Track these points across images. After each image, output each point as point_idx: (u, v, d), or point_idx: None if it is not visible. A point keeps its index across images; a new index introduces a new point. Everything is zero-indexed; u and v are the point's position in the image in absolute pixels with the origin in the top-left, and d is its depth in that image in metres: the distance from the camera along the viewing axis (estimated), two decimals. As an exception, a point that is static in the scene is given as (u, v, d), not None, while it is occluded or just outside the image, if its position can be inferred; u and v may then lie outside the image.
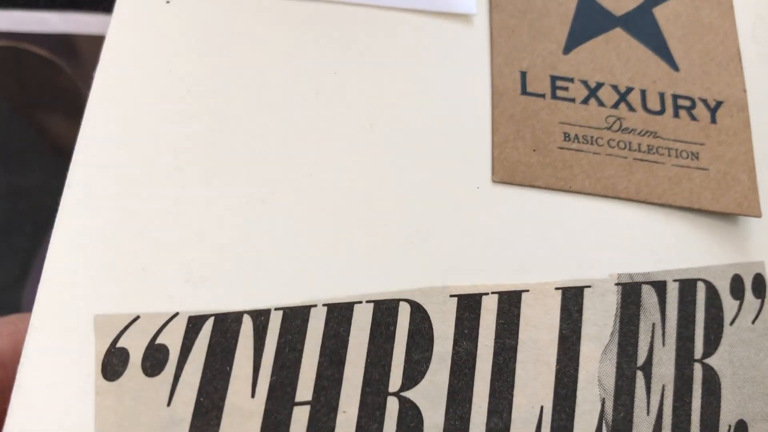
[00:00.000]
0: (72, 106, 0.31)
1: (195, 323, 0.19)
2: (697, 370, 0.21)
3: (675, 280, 0.21)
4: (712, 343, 0.21)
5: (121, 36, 0.23)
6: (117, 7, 0.23)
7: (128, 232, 0.20)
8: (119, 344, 0.18)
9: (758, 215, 0.22)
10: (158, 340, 0.19)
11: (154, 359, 0.18)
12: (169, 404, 0.18)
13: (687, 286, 0.21)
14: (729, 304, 0.22)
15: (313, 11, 0.23)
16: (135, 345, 0.18)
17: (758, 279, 0.22)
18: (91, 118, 0.21)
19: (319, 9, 0.23)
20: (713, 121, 0.23)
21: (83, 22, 0.32)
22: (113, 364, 0.18)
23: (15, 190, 0.31)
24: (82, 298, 0.19)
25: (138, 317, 0.19)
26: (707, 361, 0.21)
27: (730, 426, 0.21)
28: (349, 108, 0.22)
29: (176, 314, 0.19)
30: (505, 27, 0.23)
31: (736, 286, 0.22)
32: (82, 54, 0.33)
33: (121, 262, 0.19)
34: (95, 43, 0.32)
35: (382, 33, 0.23)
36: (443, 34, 0.23)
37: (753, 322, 0.22)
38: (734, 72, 0.24)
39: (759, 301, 0.22)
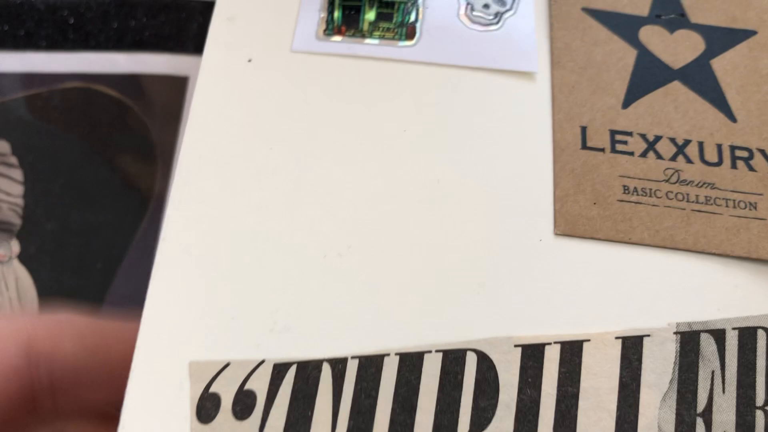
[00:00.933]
0: (140, 144, 0.33)
1: (279, 370, 0.21)
2: (760, 417, 0.22)
3: (734, 329, 0.22)
4: None
5: (207, 92, 0.25)
6: (203, 64, 0.25)
7: (218, 284, 0.22)
8: (212, 389, 0.20)
9: (817, 263, 0.23)
10: (247, 386, 0.20)
11: (244, 404, 0.20)
12: (257, 445, 0.20)
13: (747, 334, 0.22)
14: None
15: (385, 70, 0.25)
16: (226, 390, 0.20)
17: None
18: (182, 174, 0.23)
19: (391, 68, 0.25)
20: (771, 171, 0.24)
21: (149, 62, 0.34)
22: (207, 408, 0.20)
23: (88, 226, 0.32)
24: (178, 345, 0.21)
25: (228, 364, 0.21)
26: None
27: None
28: (418, 164, 0.23)
29: (263, 361, 0.21)
30: (565, 83, 0.24)
31: None
32: (148, 93, 0.34)
33: (212, 311, 0.21)
34: (160, 82, 0.34)
35: (449, 90, 0.24)
36: (507, 90, 0.24)
37: None
38: (792, 121, 0.24)
39: None
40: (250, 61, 0.25)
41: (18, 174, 0.31)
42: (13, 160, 0.31)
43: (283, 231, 0.22)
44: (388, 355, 0.21)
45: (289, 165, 0.23)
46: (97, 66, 0.34)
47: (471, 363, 0.21)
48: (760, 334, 0.22)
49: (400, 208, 0.23)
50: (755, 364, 0.22)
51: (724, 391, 0.22)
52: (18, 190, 0.31)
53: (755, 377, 0.22)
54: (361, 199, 0.23)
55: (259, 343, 0.21)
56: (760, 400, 0.22)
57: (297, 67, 0.25)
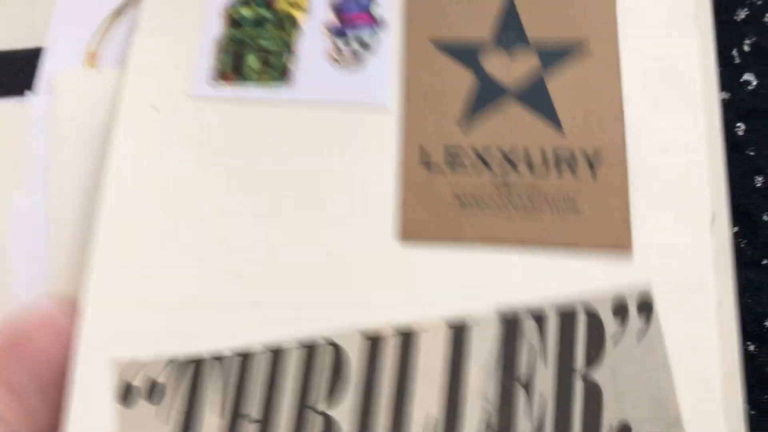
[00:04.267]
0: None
1: (181, 366, 0.27)
2: (578, 382, 0.26)
3: (553, 307, 0.26)
4: (593, 359, 0.26)
5: (125, 132, 0.30)
6: (114, 111, 0.30)
7: (140, 298, 0.28)
8: (134, 382, 0.27)
9: (629, 250, 0.27)
10: (159, 379, 0.27)
11: (156, 393, 0.26)
12: (167, 423, 0.26)
13: (566, 311, 0.26)
14: (610, 324, 0.26)
15: (265, 110, 0.30)
16: (143, 382, 0.27)
17: (644, 302, 0.26)
18: (106, 202, 0.29)
19: (270, 108, 0.30)
20: (591, 169, 0.27)
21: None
22: (129, 395, 0.27)
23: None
24: (110, 345, 0.27)
25: (146, 361, 0.27)
26: (588, 374, 0.26)
27: (611, 426, 0.26)
28: (289, 184, 0.29)
29: (170, 360, 0.27)
30: (411, 111, 0.29)
31: (619, 309, 0.26)
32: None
33: (135, 319, 0.27)
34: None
35: (316, 123, 0.29)
36: (364, 120, 0.29)
37: (638, 339, 0.26)
38: (615, 123, 0.28)
39: (643, 319, 0.26)
40: (153, 106, 0.30)
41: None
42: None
43: (192, 249, 0.28)
44: (264, 352, 0.27)
45: (190, 197, 0.29)
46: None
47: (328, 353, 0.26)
48: (579, 308, 0.26)
49: (272, 220, 0.28)
50: (574, 337, 0.26)
51: (546, 364, 0.26)
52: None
53: (574, 348, 0.26)
54: (244, 216, 0.28)
55: (169, 344, 0.27)
56: (579, 368, 0.26)
57: (192, 111, 0.30)
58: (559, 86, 0.29)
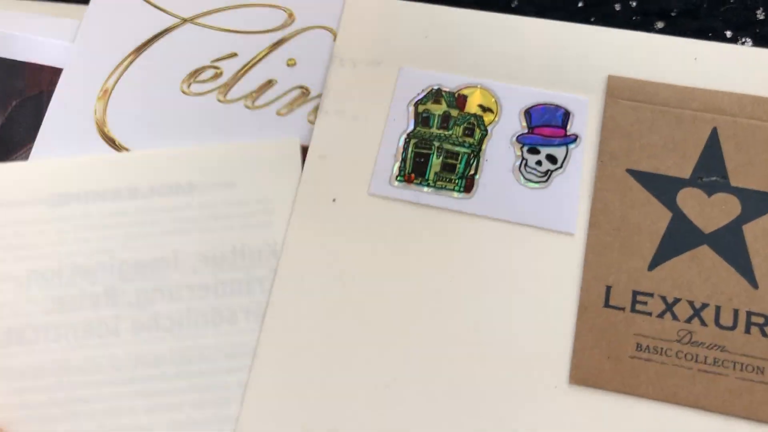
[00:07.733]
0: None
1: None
2: None
3: None
4: None
5: (299, 227, 0.30)
6: (298, 198, 0.30)
7: (296, 404, 0.28)
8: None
9: (816, 431, 0.25)
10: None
11: None
12: None
13: None
14: None
15: (444, 219, 0.29)
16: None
17: None
18: (273, 306, 0.29)
19: (449, 217, 0.29)
20: (785, 338, 0.26)
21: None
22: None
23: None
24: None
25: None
26: None
27: None
28: (459, 310, 0.28)
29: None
30: (599, 243, 0.28)
31: None
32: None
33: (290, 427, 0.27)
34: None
35: (496, 244, 0.29)
36: (547, 246, 0.28)
37: None
38: (816, 291, 0.26)
39: None
40: (334, 200, 0.30)
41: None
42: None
43: (346, 362, 0.28)
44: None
45: (356, 302, 0.29)
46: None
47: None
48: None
49: (440, 349, 0.27)
50: None
51: None
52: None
53: None
54: (410, 339, 0.28)
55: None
56: None
57: (371, 210, 0.30)
58: (757, 241, 0.27)
